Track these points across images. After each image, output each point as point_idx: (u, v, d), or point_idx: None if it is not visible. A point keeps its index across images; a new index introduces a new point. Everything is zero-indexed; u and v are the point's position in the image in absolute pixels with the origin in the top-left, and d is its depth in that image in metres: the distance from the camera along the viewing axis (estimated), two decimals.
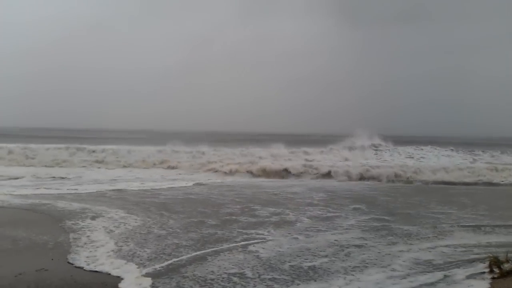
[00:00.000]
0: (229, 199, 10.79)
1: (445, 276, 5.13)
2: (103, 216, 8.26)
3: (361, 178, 16.63)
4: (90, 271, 5.16)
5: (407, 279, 5.02)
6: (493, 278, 4.96)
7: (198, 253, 5.94)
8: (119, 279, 4.88)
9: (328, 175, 17.01)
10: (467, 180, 16.64)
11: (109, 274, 5.05)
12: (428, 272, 5.28)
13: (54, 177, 14.72)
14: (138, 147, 22.14)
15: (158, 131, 67.58)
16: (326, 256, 5.93)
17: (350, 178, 16.59)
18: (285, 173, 17.34)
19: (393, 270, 5.34)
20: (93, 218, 8.05)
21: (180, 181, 14.73)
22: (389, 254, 6.07)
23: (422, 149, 28.47)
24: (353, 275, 5.14)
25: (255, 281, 4.87)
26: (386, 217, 8.78)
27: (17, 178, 13.97)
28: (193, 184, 13.83)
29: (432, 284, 4.87)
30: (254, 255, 5.89)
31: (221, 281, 4.86)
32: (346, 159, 22.56)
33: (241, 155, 22.17)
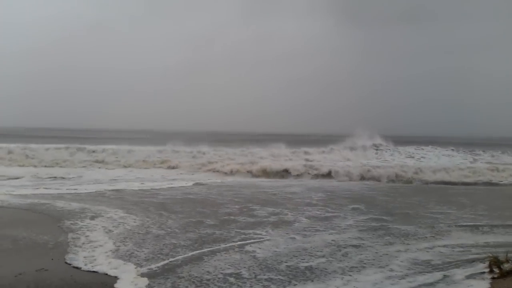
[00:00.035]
0: (228, 199, 10.79)
1: (444, 276, 5.11)
2: (103, 216, 8.27)
3: (362, 178, 16.61)
4: (88, 271, 5.16)
5: (406, 279, 5.01)
6: (493, 278, 4.95)
7: (194, 253, 5.94)
8: (116, 279, 4.89)
9: (329, 175, 17.01)
10: (467, 180, 16.61)
11: (106, 274, 5.05)
12: (427, 272, 5.27)
13: (54, 177, 14.74)
14: (139, 147, 22.19)
15: (158, 131, 67.73)
16: (323, 256, 5.93)
17: (351, 178, 16.58)
18: (285, 173, 17.34)
19: (391, 270, 5.33)
20: (92, 218, 8.06)
21: (180, 181, 14.75)
22: (387, 254, 6.06)
23: (422, 149, 28.49)
24: (350, 275, 5.13)
25: (251, 281, 4.87)
26: (384, 217, 8.77)
27: (16, 178, 14.00)
28: (193, 184, 13.84)
29: (431, 284, 4.86)
30: (251, 255, 5.89)
31: (217, 281, 4.86)
32: (348, 159, 22.57)
33: (242, 155, 22.22)
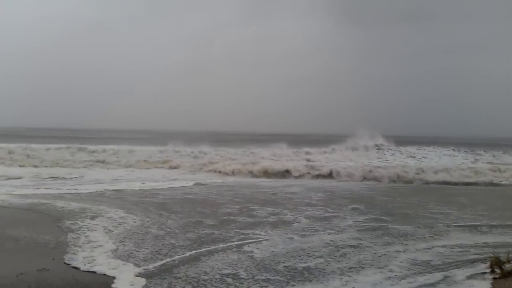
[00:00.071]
0: (228, 199, 10.80)
1: (445, 276, 5.09)
2: (103, 216, 8.29)
3: (364, 179, 16.57)
4: (87, 271, 5.17)
5: (406, 279, 4.99)
6: (494, 278, 4.93)
7: (192, 253, 5.94)
8: (114, 279, 4.90)
9: (330, 176, 16.98)
10: (469, 180, 16.57)
11: (105, 274, 5.06)
12: (427, 272, 5.25)
13: (54, 177, 14.78)
14: (139, 147, 22.22)
15: (159, 131, 67.73)
16: (321, 256, 5.92)
17: (352, 179, 16.53)
18: (286, 173, 17.33)
19: (391, 271, 5.31)
20: (92, 218, 8.08)
21: (181, 181, 14.77)
22: (386, 254, 6.05)
23: (424, 149, 28.45)
24: (349, 276, 5.12)
25: (249, 282, 4.87)
26: (384, 217, 8.76)
27: (17, 178, 14.03)
28: (194, 184, 13.86)
29: (432, 285, 4.84)
30: (249, 256, 5.89)
31: (214, 281, 4.86)
32: (350, 160, 22.54)
33: (243, 155, 22.22)
